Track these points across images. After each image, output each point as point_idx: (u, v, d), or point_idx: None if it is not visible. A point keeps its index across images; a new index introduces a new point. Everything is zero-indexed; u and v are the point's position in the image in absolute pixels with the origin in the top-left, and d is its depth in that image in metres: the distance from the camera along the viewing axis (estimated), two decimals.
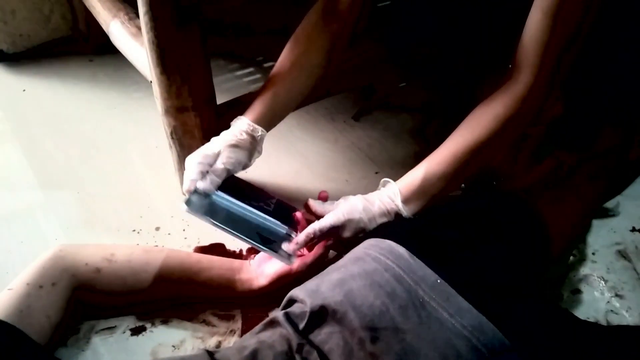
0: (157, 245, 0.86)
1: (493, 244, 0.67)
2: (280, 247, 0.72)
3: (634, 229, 0.95)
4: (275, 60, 0.82)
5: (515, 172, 0.93)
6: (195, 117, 0.84)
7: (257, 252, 0.85)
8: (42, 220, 0.92)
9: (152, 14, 0.71)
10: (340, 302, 0.56)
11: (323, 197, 0.78)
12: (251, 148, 0.75)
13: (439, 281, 0.56)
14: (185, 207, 0.70)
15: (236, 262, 0.79)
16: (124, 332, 0.74)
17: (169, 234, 0.90)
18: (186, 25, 0.74)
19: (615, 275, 0.87)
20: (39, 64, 1.32)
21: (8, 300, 0.66)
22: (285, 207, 0.79)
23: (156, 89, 0.83)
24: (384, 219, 0.71)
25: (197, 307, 0.77)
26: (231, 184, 0.74)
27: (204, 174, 0.70)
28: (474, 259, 0.63)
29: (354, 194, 0.74)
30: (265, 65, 1.33)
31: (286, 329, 0.57)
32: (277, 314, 0.59)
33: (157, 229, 0.91)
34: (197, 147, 0.83)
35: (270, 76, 0.80)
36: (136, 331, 0.74)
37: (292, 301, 0.62)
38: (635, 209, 0.98)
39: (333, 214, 0.70)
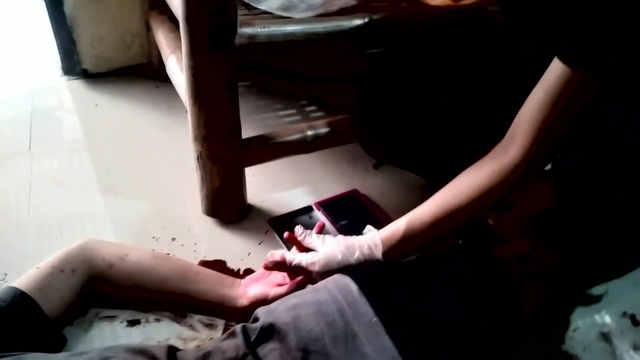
0: (168, 254, 0.98)
1: (450, 299, 0.72)
2: None
3: (625, 314, 0.95)
4: (318, 105, 0.90)
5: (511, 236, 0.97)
6: (218, 146, 0.97)
7: (251, 272, 0.95)
8: (88, 221, 1.08)
9: (189, 38, 0.84)
10: (287, 323, 0.64)
11: (320, 227, 0.87)
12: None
13: (374, 320, 0.62)
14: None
15: (229, 279, 0.89)
16: (122, 322, 0.85)
17: (182, 245, 1.02)
18: (219, 52, 0.86)
19: (591, 355, 0.87)
20: (113, 84, 1.52)
21: (34, 277, 0.79)
22: None
23: (189, 117, 0.96)
24: (360, 266, 0.77)
25: (187, 312, 0.87)
26: None
27: None
28: (420, 308, 0.68)
29: None
30: (307, 109, 1.46)
31: (239, 340, 0.65)
32: (237, 326, 0.68)
33: (174, 239, 1.03)
34: (218, 173, 0.96)
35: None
36: (131, 323, 0.85)
37: (256, 317, 0.71)
38: (632, 294, 0.98)
39: (311, 258, 0.77)
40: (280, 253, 0.81)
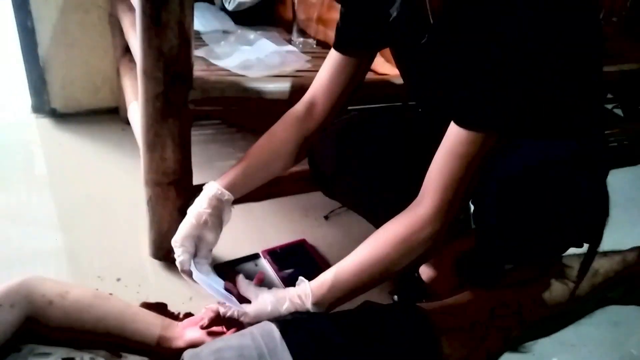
0: (111, 293, 0.99)
1: (369, 351, 0.76)
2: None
3: None
4: None
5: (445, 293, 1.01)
6: (167, 191, 1.01)
7: (191, 316, 0.97)
8: (39, 255, 1.09)
9: (145, 89, 0.90)
10: None
11: (259, 279, 0.90)
12: (218, 214, 0.90)
13: None
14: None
15: (166, 321, 0.91)
16: (57, 359, 0.86)
17: (126, 286, 1.04)
18: (171, 117, 0.93)
19: None
20: (81, 125, 1.57)
21: None
22: None
23: (142, 162, 1.01)
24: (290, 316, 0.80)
25: (122, 352, 0.88)
26: None
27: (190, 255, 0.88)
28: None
29: None
30: None
31: None
32: None
33: (118, 279, 1.05)
34: (167, 216, 0.99)
35: (246, 153, 0.95)
36: None
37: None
38: (557, 354, 1.03)
39: (242, 309, 0.79)
40: (214, 306, 0.84)
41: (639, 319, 1.13)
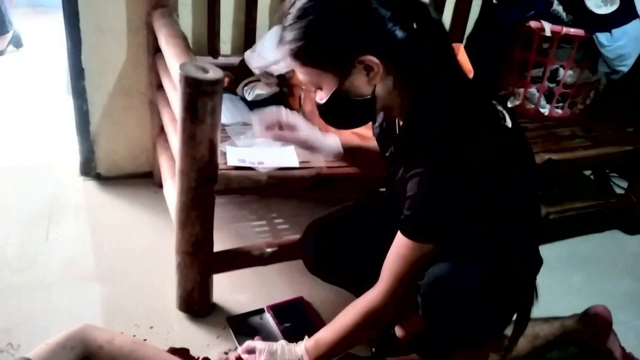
0: (145, 339, 1.26)
1: None
2: None
3: None
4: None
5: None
6: (193, 259, 1.28)
7: None
8: (85, 303, 1.37)
9: (181, 182, 1.18)
10: None
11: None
12: None
13: None
14: None
15: None
16: None
17: (158, 333, 1.30)
18: (199, 205, 1.20)
19: None
20: (121, 187, 1.86)
21: (42, 351, 1.06)
22: None
23: (175, 234, 1.28)
24: None
25: None
26: None
27: None
28: None
29: None
30: (275, 221, 1.79)
31: None
32: None
33: (151, 327, 1.31)
34: (191, 277, 1.27)
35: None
36: None
37: None
38: None
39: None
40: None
41: None
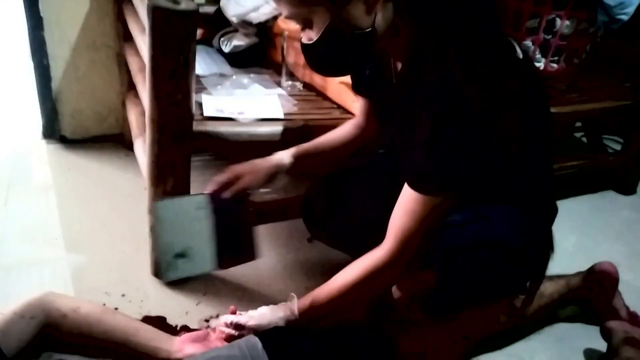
0: (117, 308, 1.14)
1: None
2: None
3: None
4: None
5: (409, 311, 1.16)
6: None
7: (188, 330, 1.11)
8: (50, 271, 1.23)
9: (153, 133, 1.05)
10: None
11: (232, 311, 1.02)
12: (274, 174, 1.07)
13: None
14: None
15: (165, 336, 1.05)
16: None
17: (130, 301, 1.18)
18: (173, 158, 1.08)
19: None
20: (87, 150, 1.71)
21: None
22: None
23: (147, 193, 1.15)
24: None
25: (128, 358, 1.02)
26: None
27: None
28: None
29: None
30: None
31: None
32: None
33: (123, 295, 1.19)
34: None
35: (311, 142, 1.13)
36: None
37: None
38: None
39: (248, 316, 0.96)
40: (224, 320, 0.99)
41: (585, 335, 1.28)
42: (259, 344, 0.86)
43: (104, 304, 1.15)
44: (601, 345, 1.22)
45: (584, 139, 2.24)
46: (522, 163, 0.89)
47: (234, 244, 1.06)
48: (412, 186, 0.85)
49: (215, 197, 1.03)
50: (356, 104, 1.19)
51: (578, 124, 2.25)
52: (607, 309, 1.25)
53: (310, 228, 1.23)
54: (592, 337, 1.26)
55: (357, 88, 1.10)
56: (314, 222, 1.21)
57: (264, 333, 0.92)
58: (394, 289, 1.20)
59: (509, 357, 1.19)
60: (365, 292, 0.94)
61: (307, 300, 0.96)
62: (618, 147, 2.04)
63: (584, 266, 1.30)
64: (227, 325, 0.97)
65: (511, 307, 1.11)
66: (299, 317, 0.95)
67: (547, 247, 0.97)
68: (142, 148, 1.30)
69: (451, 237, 0.86)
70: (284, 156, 1.08)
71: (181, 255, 1.01)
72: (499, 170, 0.87)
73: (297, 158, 1.09)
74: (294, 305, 0.97)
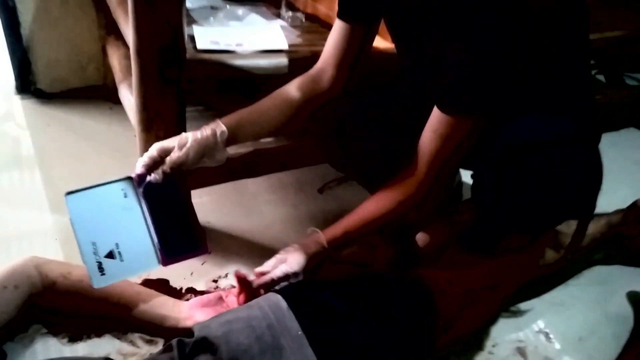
0: None
1: (376, 324, 0.79)
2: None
3: (539, 330, 1.04)
4: None
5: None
6: None
7: (195, 293, 0.99)
8: (38, 238, 1.10)
9: (140, 70, 0.90)
10: (218, 337, 0.69)
11: (238, 275, 0.87)
12: (210, 145, 0.84)
13: (299, 333, 0.69)
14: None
15: (170, 301, 0.93)
16: (64, 338, 0.88)
17: None
18: (166, 95, 0.93)
19: None
20: (67, 105, 1.55)
21: None
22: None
23: (137, 142, 1.01)
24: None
25: (129, 331, 0.90)
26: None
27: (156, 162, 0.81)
28: (347, 328, 0.75)
29: None
30: None
31: (174, 353, 0.70)
32: (174, 340, 0.73)
33: None
34: None
35: (251, 106, 0.93)
36: (73, 339, 0.88)
37: (191, 332, 0.76)
38: (547, 312, 1.08)
39: (290, 269, 0.82)
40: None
41: (622, 278, 1.19)
42: (283, 303, 0.74)
43: None
44: None
45: (601, 77, 2.11)
46: (565, 74, 0.84)
47: (174, 235, 0.83)
48: (445, 109, 0.78)
49: (142, 181, 0.81)
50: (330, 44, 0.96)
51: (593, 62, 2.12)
52: None
53: (332, 162, 1.11)
54: (631, 279, 1.18)
55: (348, 9, 0.91)
56: (336, 155, 1.07)
57: (285, 290, 0.80)
58: (421, 235, 1.09)
59: (550, 305, 1.10)
60: (394, 217, 0.87)
61: (337, 230, 0.87)
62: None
63: (605, 206, 1.19)
64: (240, 281, 0.83)
65: (557, 247, 1.00)
66: (329, 247, 0.85)
67: (597, 169, 0.89)
68: (128, 92, 1.15)
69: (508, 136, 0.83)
70: (218, 125, 0.86)
71: (110, 256, 0.80)
72: (540, 86, 0.81)
73: (236, 127, 0.88)
74: (321, 237, 0.86)
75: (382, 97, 1.01)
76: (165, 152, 0.82)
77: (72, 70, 1.55)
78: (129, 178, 0.82)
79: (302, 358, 0.66)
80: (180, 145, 0.82)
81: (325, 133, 1.03)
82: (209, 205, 1.23)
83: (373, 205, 0.88)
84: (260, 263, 0.86)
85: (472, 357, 0.97)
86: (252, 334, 0.69)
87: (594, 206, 0.92)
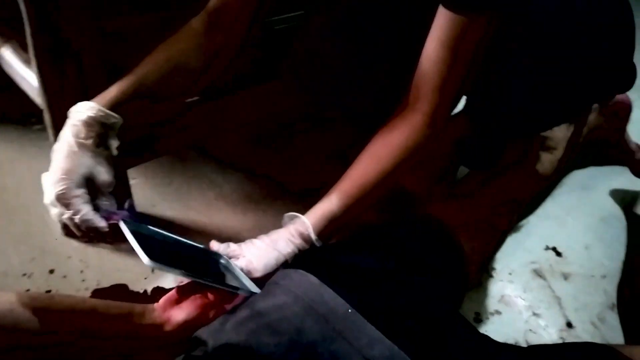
0: (49, 291, 0.77)
1: (412, 273, 0.65)
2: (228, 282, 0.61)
3: (547, 248, 0.97)
4: None
5: (430, 195, 0.93)
6: None
7: (163, 293, 0.78)
8: None
9: (34, 51, 0.68)
10: (243, 341, 0.51)
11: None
12: (103, 144, 0.63)
13: (350, 311, 0.52)
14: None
15: (137, 308, 0.70)
16: None
17: (65, 276, 0.81)
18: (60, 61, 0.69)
19: (531, 294, 0.87)
20: None
21: None
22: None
23: (47, 117, 0.76)
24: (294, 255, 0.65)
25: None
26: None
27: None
28: (391, 288, 0.60)
29: (272, 226, 0.67)
30: None
31: None
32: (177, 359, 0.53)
33: (52, 271, 0.82)
34: None
35: (136, 67, 0.68)
36: None
37: (197, 341, 0.57)
38: (547, 228, 1.01)
39: (245, 266, 0.62)
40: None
41: (599, 178, 1.16)
42: (312, 278, 0.56)
43: (28, 290, 0.78)
44: (624, 183, 1.13)
45: None
46: None
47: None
48: (453, 7, 0.61)
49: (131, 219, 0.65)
50: None
51: None
52: (618, 144, 1.14)
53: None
54: (610, 177, 1.16)
55: None
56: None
57: (301, 260, 0.62)
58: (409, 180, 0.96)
59: (546, 219, 1.03)
60: (402, 168, 0.68)
61: (327, 210, 0.65)
62: None
63: None
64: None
65: (549, 149, 0.93)
66: (317, 239, 0.64)
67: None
68: (14, 56, 0.87)
69: None
70: (104, 116, 0.62)
71: None
72: None
73: (122, 103, 0.65)
74: (307, 227, 0.64)
75: (358, 10, 0.83)
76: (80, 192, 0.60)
77: None
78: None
79: (368, 342, 0.50)
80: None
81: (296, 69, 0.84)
82: (150, 193, 1.00)
83: (370, 164, 0.68)
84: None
85: (495, 289, 0.87)
86: (289, 327, 0.51)
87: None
